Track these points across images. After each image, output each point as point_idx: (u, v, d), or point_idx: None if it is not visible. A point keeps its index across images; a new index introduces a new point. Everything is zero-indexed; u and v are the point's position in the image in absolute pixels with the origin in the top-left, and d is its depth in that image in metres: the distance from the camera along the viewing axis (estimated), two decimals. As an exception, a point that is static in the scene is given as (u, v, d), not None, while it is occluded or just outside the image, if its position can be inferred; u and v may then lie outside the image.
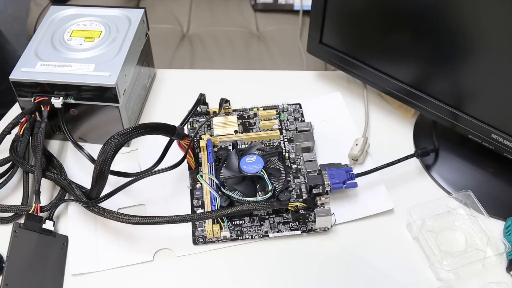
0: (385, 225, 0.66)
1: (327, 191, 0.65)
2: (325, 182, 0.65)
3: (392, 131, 0.76)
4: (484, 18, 0.57)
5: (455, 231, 0.65)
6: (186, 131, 0.69)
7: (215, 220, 0.64)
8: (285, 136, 0.73)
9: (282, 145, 0.72)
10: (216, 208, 0.63)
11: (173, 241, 0.64)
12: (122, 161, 0.72)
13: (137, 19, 0.74)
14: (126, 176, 0.67)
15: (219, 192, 0.65)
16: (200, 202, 0.67)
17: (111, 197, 0.63)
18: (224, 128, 0.74)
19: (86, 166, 0.70)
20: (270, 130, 0.74)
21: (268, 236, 0.64)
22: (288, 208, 0.63)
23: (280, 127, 0.75)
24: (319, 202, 0.66)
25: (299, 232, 0.64)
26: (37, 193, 0.64)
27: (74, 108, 0.69)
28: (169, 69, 0.86)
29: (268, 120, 0.75)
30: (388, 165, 0.68)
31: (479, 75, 0.62)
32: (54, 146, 0.74)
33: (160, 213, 0.62)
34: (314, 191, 0.65)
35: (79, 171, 0.71)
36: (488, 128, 0.64)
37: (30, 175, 0.68)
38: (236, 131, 0.74)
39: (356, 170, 0.67)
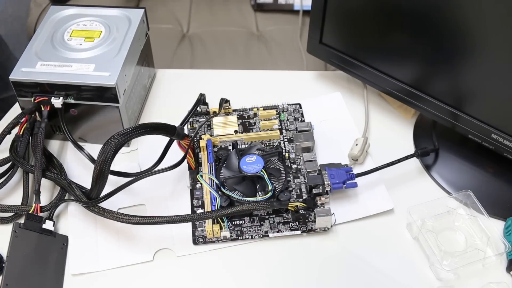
0: (385, 225, 0.66)
1: (327, 191, 0.65)
2: (325, 182, 0.65)
3: (392, 131, 0.76)
4: (484, 18, 0.57)
5: (455, 231, 0.65)
6: (186, 131, 0.69)
7: (215, 220, 0.64)
8: (285, 136, 0.73)
9: (282, 145, 0.72)
10: (216, 208, 0.63)
11: (173, 241, 0.64)
12: (122, 161, 0.72)
13: (137, 19, 0.74)
14: (126, 176, 0.67)
15: (219, 192, 0.65)
16: (200, 202, 0.67)
17: (111, 197, 0.63)
18: (224, 128, 0.74)
19: (86, 166, 0.70)
20: (270, 130, 0.74)
21: (268, 236, 0.64)
22: (288, 208, 0.63)
23: (280, 127, 0.75)
24: (319, 202, 0.66)
25: (299, 232, 0.64)
26: (37, 193, 0.64)
27: (74, 108, 0.69)
28: (169, 69, 0.86)
29: (268, 120, 0.75)
30: (388, 165, 0.68)
31: (479, 75, 0.62)
32: (54, 146, 0.74)
33: (160, 213, 0.62)
34: (314, 191, 0.65)
35: (79, 171, 0.71)
36: (488, 128, 0.64)
37: (30, 175, 0.68)
38: (236, 131, 0.74)
39: (356, 170, 0.67)
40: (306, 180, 0.67)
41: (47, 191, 0.69)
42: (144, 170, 0.68)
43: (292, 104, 0.77)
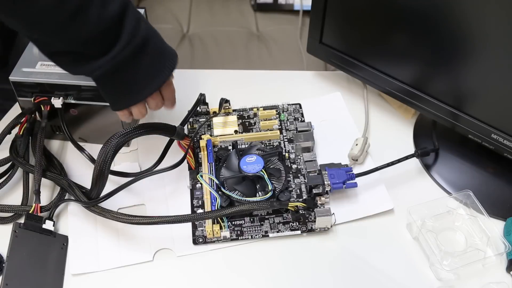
0: (385, 225, 0.66)
1: (327, 191, 0.65)
2: (325, 182, 0.65)
3: (392, 131, 0.76)
4: (484, 18, 0.57)
5: (455, 231, 0.65)
6: (186, 131, 0.69)
7: (215, 220, 0.64)
8: (285, 136, 0.73)
9: (282, 145, 0.72)
10: (216, 208, 0.63)
11: (173, 241, 0.64)
12: (122, 161, 0.72)
13: (137, 19, 0.74)
14: (126, 176, 0.67)
15: (219, 192, 0.65)
16: (200, 202, 0.67)
17: (111, 197, 0.63)
18: (224, 128, 0.74)
19: (86, 166, 0.70)
20: (270, 130, 0.74)
21: (268, 236, 0.64)
22: (288, 208, 0.63)
23: (280, 127, 0.74)
24: (319, 202, 0.66)
25: (299, 232, 0.64)
26: (37, 193, 0.64)
27: (74, 108, 0.69)
28: (169, 69, 0.86)
29: (268, 120, 0.75)
30: (388, 165, 0.68)
31: (479, 75, 0.62)
32: (54, 146, 0.74)
33: (160, 213, 0.62)
34: (314, 191, 0.65)
35: (79, 171, 0.71)
36: (488, 128, 0.64)
37: (30, 175, 0.68)
38: (236, 131, 0.74)
39: (356, 170, 0.67)
40: (306, 180, 0.67)
41: (47, 191, 0.69)
42: (144, 170, 0.68)
43: (292, 104, 0.77)
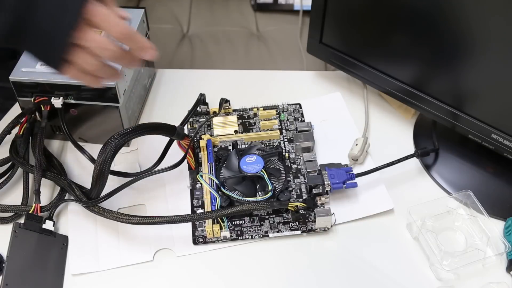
0: (385, 225, 0.66)
1: (327, 191, 0.65)
2: (325, 182, 0.65)
3: (392, 131, 0.76)
4: (484, 18, 0.57)
5: (455, 231, 0.65)
6: (186, 131, 0.69)
7: (215, 220, 0.64)
8: (285, 136, 0.73)
9: (282, 145, 0.72)
10: (216, 208, 0.63)
11: (173, 241, 0.64)
12: (122, 161, 0.72)
13: (137, 19, 0.74)
14: (126, 176, 0.67)
15: (219, 192, 0.65)
16: (200, 202, 0.67)
17: (111, 197, 0.63)
18: (224, 128, 0.74)
19: (86, 166, 0.70)
20: (270, 130, 0.74)
21: (268, 236, 0.64)
22: (288, 208, 0.63)
23: (280, 127, 0.74)
24: (319, 202, 0.66)
25: (299, 232, 0.64)
26: (37, 193, 0.64)
27: (74, 108, 0.69)
28: (169, 69, 0.86)
29: (268, 120, 0.75)
30: (388, 165, 0.68)
31: (479, 75, 0.62)
32: (54, 146, 0.74)
33: (160, 213, 0.62)
34: (314, 191, 0.65)
35: (79, 171, 0.71)
36: (488, 128, 0.64)
37: (30, 175, 0.68)
38: (236, 131, 0.74)
39: (356, 170, 0.67)
40: (306, 180, 0.67)
41: (47, 191, 0.69)
42: (144, 170, 0.68)
43: (292, 104, 0.77)
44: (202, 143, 0.70)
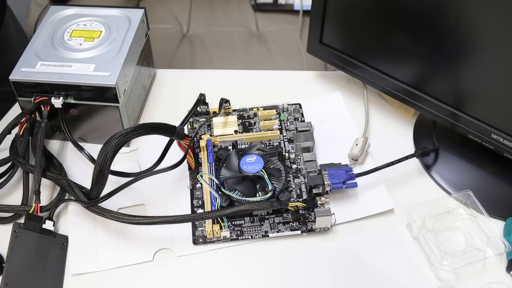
0: (385, 225, 0.66)
1: (327, 191, 0.65)
2: (325, 182, 0.65)
3: (392, 131, 0.76)
4: (484, 18, 0.57)
5: (455, 231, 0.65)
6: (186, 131, 0.69)
7: (215, 220, 0.64)
8: (285, 136, 0.73)
9: (282, 145, 0.72)
10: (216, 208, 0.63)
11: (173, 241, 0.64)
12: (122, 161, 0.72)
13: (137, 19, 0.74)
14: (126, 176, 0.67)
15: (219, 192, 0.65)
16: (200, 202, 0.67)
17: (111, 197, 0.63)
18: (224, 128, 0.74)
19: (86, 166, 0.70)
20: (270, 130, 0.74)
21: (268, 236, 0.64)
22: (288, 208, 0.63)
23: (280, 127, 0.75)
24: (319, 202, 0.66)
25: (299, 232, 0.64)
26: (37, 193, 0.64)
27: (74, 108, 0.69)
28: (169, 69, 0.86)
29: (268, 120, 0.75)
30: (388, 165, 0.68)
31: (479, 75, 0.62)
32: (54, 146, 0.74)
33: (160, 213, 0.62)
34: (314, 191, 0.65)
35: (79, 171, 0.71)
36: (488, 128, 0.64)
37: (30, 175, 0.68)
38: (236, 131, 0.74)
39: (356, 170, 0.67)
40: (306, 180, 0.67)
41: (47, 191, 0.69)
42: (144, 170, 0.68)
43: (292, 104, 0.77)
44: (202, 143, 0.70)
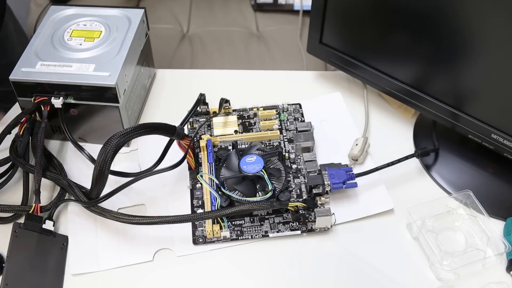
0: (385, 225, 0.66)
1: (327, 191, 0.65)
2: (325, 182, 0.65)
3: (392, 131, 0.76)
4: (484, 18, 0.57)
5: (455, 231, 0.65)
6: (186, 131, 0.69)
7: (215, 220, 0.64)
8: (285, 136, 0.73)
9: (282, 145, 0.72)
10: (216, 208, 0.63)
11: (173, 241, 0.64)
12: (122, 161, 0.72)
13: (137, 19, 0.74)
14: (126, 176, 0.67)
15: (219, 192, 0.65)
16: (200, 202, 0.67)
17: (111, 197, 0.63)
18: (224, 128, 0.74)
19: (86, 166, 0.70)
20: (270, 130, 0.74)
21: (268, 236, 0.64)
22: (288, 208, 0.63)
23: (280, 127, 0.75)
24: (319, 202, 0.66)
25: (299, 232, 0.64)
26: (37, 193, 0.64)
27: (74, 108, 0.69)
28: (169, 69, 0.86)
29: (268, 120, 0.75)
30: (388, 165, 0.68)
31: (479, 75, 0.62)
32: (54, 146, 0.74)
33: (160, 213, 0.62)
34: (314, 191, 0.65)
35: (79, 171, 0.71)
36: (488, 128, 0.64)
37: (30, 175, 0.68)
38: (236, 131, 0.74)
39: (356, 170, 0.67)
40: (306, 180, 0.67)
41: (47, 191, 0.69)
42: (144, 170, 0.68)
43: (292, 104, 0.77)
44: (202, 143, 0.70)
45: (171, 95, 0.81)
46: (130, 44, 0.71)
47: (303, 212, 0.65)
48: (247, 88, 0.82)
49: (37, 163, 0.65)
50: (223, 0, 1.19)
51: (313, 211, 0.65)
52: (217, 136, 0.73)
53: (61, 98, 0.67)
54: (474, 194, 0.65)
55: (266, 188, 0.65)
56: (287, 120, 0.75)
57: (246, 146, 0.72)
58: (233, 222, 0.65)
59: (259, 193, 0.65)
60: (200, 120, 0.75)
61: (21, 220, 0.65)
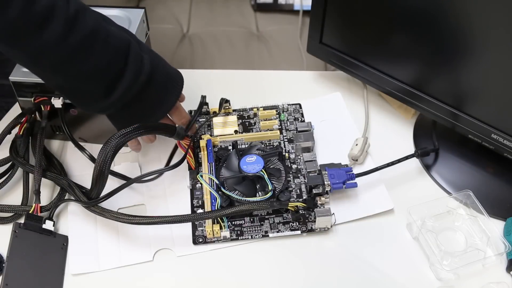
0: (385, 225, 0.66)
1: (327, 191, 0.65)
2: (325, 182, 0.65)
3: (392, 131, 0.76)
4: (484, 17, 0.57)
5: (455, 231, 0.65)
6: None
7: (215, 220, 0.64)
8: (285, 136, 0.73)
9: (282, 145, 0.72)
10: (216, 208, 0.63)
11: (173, 241, 0.64)
12: (122, 161, 0.72)
13: (137, 19, 0.74)
14: (126, 179, 0.67)
15: (219, 192, 0.65)
16: (200, 202, 0.67)
17: (111, 197, 0.63)
18: (224, 128, 0.74)
19: (86, 166, 0.70)
20: (270, 130, 0.74)
21: (268, 236, 0.64)
22: (288, 208, 0.63)
23: (280, 127, 0.74)
24: (319, 202, 0.66)
25: (299, 232, 0.64)
26: (37, 193, 0.64)
27: (74, 108, 0.69)
28: (169, 69, 0.86)
29: (268, 120, 0.75)
30: (388, 165, 0.68)
31: (479, 75, 0.62)
32: (54, 146, 0.74)
33: (160, 213, 0.62)
34: (314, 191, 0.65)
35: (79, 171, 0.71)
36: (488, 128, 0.64)
37: (30, 175, 0.68)
38: (236, 131, 0.74)
39: (356, 170, 0.67)
40: (306, 180, 0.67)
41: (47, 191, 0.69)
42: (146, 173, 0.67)
43: (292, 104, 0.77)
44: (202, 143, 0.70)
45: (171, 95, 0.81)
46: (130, 44, 0.71)
47: (303, 212, 0.65)
48: (247, 88, 0.82)
49: (37, 163, 0.65)
50: (223, 0, 1.19)
51: (313, 211, 0.65)
52: (217, 136, 0.73)
53: (61, 98, 0.67)
54: (474, 194, 0.65)
55: (266, 188, 0.65)
56: (287, 120, 0.75)
57: (246, 146, 0.72)
58: (233, 222, 0.65)
59: (259, 193, 0.65)
60: (200, 120, 0.75)
61: (21, 220, 0.65)
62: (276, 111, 0.76)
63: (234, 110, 0.77)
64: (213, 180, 0.66)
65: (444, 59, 0.64)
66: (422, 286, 0.61)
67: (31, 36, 0.51)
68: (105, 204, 0.64)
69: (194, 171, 0.69)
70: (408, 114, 0.78)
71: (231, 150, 0.70)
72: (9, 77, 0.67)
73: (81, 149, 0.69)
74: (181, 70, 0.68)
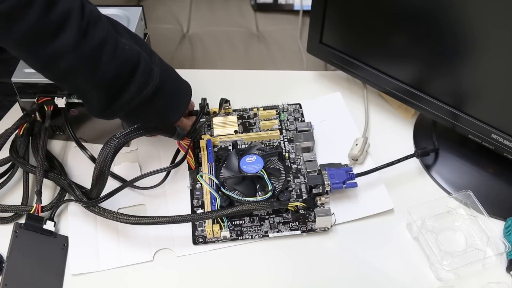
0: (385, 225, 0.66)
1: (327, 191, 0.65)
2: (325, 182, 0.65)
3: (392, 131, 0.76)
4: (484, 17, 0.57)
5: (455, 231, 0.65)
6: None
7: (215, 220, 0.64)
8: (285, 136, 0.73)
9: (282, 145, 0.72)
10: (216, 208, 0.63)
11: (173, 241, 0.64)
12: (122, 161, 0.72)
13: (135, 18, 0.74)
14: (124, 181, 0.67)
15: (219, 192, 0.65)
16: (200, 202, 0.67)
17: (111, 197, 0.63)
18: (224, 128, 0.74)
19: (87, 166, 0.70)
20: (270, 130, 0.74)
21: (268, 236, 0.64)
22: (288, 208, 0.63)
23: (280, 127, 0.75)
24: (319, 202, 0.66)
25: (299, 232, 0.64)
26: (39, 193, 0.64)
27: (76, 108, 0.69)
28: (169, 69, 0.86)
29: (268, 120, 0.75)
30: (388, 165, 0.68)
31: (479, 75, 0.62)
32: (54, 146, 0.74)
33: (160, 213, 0.62)
34: (314, 191, 0.65)
35: (79, 171, 0.71)
36: (488, 128, 0.64)
37: (31, 175, 0.68)
38: (236, 131, 0.74)
39: (356, 170, 0.67)
40: (306, 180, 0.67)
41: (47, 191, 0.69)
42: (145, 173, 0.67)
43: (292, 104, 0.77)
44: (202, 143, 0.70)
45: (171, 95, 0.81)
46: (130, 44, 0.71)
47: (303, 212, 0.65)
48: (247, 88, 0.82)
49: (39, 164, 0.65)
50: (223, 0, 1.19)
51: (313, 211, 0.65)
52: (217, 136, 0.73)
53: (64, 97, 0.67)
54: (474, 194, 0.65)
55: (266, 188, 0.65)
56: (287, 120, 0.75)
57: (246, 146, 0.72)
58: (233, 222, 0.65)
59: (259, 193, 0.65)
60: (200, 120, 0.75)
61: (21, 220, 0.65)
62: (276, 111, 0.76)
63: (234, 110, 0.77)
64: (213, 180, 0.66)
65: (444, 59, 0.64)
66: (422, 286, 0.61)
67: (44, 43, 0.52)
68: (105, 204, 0.64)
69: (194, 171, 0.69)
70: (408, 114, 0.78)
71: (231, 150, 0.70)
72: (11, 79, 0.67)
73: (83, 149, 0.69)
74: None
